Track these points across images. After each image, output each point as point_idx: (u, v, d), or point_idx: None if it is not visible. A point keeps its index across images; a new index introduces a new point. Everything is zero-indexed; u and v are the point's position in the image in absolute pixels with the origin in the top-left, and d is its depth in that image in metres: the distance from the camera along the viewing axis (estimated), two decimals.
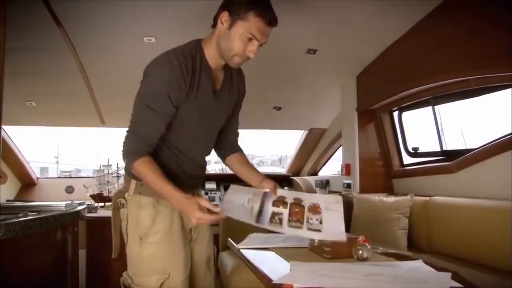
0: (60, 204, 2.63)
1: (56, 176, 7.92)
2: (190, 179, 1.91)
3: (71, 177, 7.41)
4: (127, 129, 1.75)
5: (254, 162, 13.10)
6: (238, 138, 2.15)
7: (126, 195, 1.87)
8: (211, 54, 1.78)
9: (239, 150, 2.12)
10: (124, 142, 1.75)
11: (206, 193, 5.19)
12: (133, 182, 1.84)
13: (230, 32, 1.69)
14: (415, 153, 4.07)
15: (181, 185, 1.73)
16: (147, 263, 1.79)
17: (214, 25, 1.77)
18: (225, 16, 1.69)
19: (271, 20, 1.68)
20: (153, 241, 1.80)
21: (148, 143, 1.73)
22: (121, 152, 1.76)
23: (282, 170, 6.92)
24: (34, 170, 5.74)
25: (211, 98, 1.83)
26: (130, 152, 1.73)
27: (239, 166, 2.06)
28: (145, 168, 1.70)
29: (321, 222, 1.85)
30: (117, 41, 3.40)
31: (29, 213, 2.21)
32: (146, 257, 1.79)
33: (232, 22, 1.68)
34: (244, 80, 2.04)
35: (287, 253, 1.96)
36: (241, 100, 2.06)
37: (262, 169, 11.51)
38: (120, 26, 3.16)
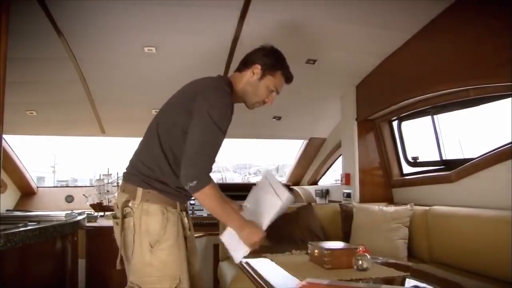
0: (60, 214, 2.63)
1: (52, 186, 7.92)
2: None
3: (69, 186, 7.40)
4: (194, 147, 1.78)
5: (251, 171, 13.09)
6: None
7: (130, 204, 1.88)
8: (235, 93, 2.02)
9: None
10: (193, 161, 1.76)
11: None
12: (140, 190, 1.87)
13: (260, 83, 2.01)
14: (414, 163, 4.07)
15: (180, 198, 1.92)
16: (159, 270, 1.82)
17: (239, 69, 2.06)
18: (257, 69, 2.00)
19: (289, 79, 2.08)
20: (164, 247, 1.84)
21: (213, 164, 1.82)
22: (189, 173, 1.76)
23: (280, 179, 6.92)
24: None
25: None
26: (206, 173, 1.77)
27: None
28: (217, 191, 1.80)
29: None
30: (117, 51, 3.42)
31: (29, 223, 2.22)
32: (158, 264, 1.82)
33: (262, 75, 2.00)
34: None
35: (287, 263, 1.97)
36: None
37: (259, 178, 11.46)
38: (121, 35, 3.18)
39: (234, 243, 1.92)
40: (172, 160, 1.89)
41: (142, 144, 2.01)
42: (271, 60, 2.01)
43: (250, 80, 2.00)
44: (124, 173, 2.00)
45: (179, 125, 1.87)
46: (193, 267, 2.04)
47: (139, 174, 1.90)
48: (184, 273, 1.87)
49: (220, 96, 1.85)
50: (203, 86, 1.90)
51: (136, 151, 2.01)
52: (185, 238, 1.98)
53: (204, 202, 1.81)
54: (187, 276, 1.88)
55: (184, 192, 1.88)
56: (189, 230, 2.01)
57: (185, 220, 1.98)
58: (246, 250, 1.88)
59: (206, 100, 1.82)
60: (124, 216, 1.89)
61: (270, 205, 1.91)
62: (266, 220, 1.89)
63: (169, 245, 1.84)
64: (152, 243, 1.82)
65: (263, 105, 2.09)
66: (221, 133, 1.80)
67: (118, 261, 1.93)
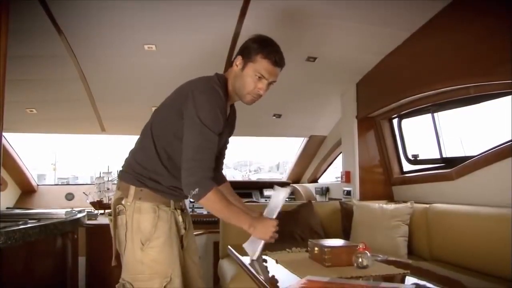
0: (60, 212, 2.64)
1: (53, 183, 7.93)
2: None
3: (69, 184, 7.41)
4: (189, 153, 1.79)
5: (251, 168, 13.10)
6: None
7: (123, 201, 1.90)
8: (228, 91, 2.01)
9: (226, 180, 2.30)
10: (191, 171, 1.77)
11: None
12: (132, 188, 1.89)
13: (243, 73, 1.94)
14: (415, 160, 4.07)
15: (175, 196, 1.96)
16: (150, 267, 1.83)
17: (230, 66, 2.03)
18: (239, 60, 1.96)
19: (276, 61, 1.92)
20: (155, 245, 1.85)
21: (212, 167, 1.82)
22: (190, 182, 1.77)
23: (280, 176, 6.93)
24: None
25: (223, 130, 1.96)
26: (206, 178, 1.78)
27: (230, 197, 2.15)
28: (221, 195, 1.82)
29: None
30: (117, 49, 3.41)
31: (29, 221, 2.22)
32: (149, 261, 1.83)
33: (244, 64, 1.94)
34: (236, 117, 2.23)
35: (287, 260, 1.97)
36: (231, 135, 2.22)
37: (260, 176, 11.50)
38: (121, 33, 3.17)
39: (251, 244, 1.97)
40: (165, 159, 1.91)
41: (137, 143, 2.03)
42: (250, 47, 1.95)
43: (236, 73, 1.97)
44: (119, 171, 2.02)
45: (171, 126, 1.89)
46: (191, 265, 2.05)
47: (132, 172, 1.93)
48: (176, 272, 1.87)
49: (209, 95, 1.84)
50: (193, 88, 1.88)
51: (131, 149, 2.03)
52: (181, 236, 2.00)
53: (210, 207, 1.82)
54: (179, 274, 1.88)
55: (178, 190, 1.90)
56: (185, 228, 2.02)
57: (180, 218, 1.99)
58: (261, 244, 1.92)
59: (195, 103, 1.81)
60: (117, 214, 1.91)
61: (276, 197, 2.02)
62: (275, 211, 1.95)
63: (160, 242, 1.86)
64: (143, 241, 1.84)
65: (258, 98, 2.01)
66: (213, 134, 1.81)
67: (113, 257, 1.96)
